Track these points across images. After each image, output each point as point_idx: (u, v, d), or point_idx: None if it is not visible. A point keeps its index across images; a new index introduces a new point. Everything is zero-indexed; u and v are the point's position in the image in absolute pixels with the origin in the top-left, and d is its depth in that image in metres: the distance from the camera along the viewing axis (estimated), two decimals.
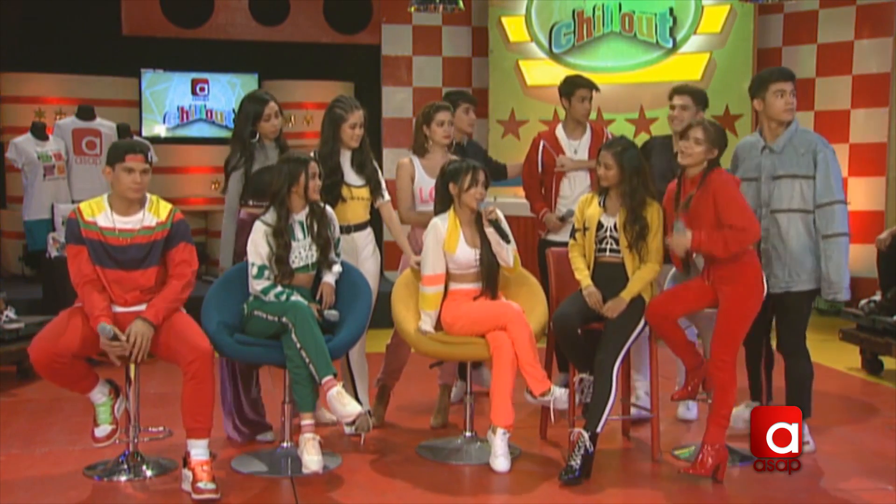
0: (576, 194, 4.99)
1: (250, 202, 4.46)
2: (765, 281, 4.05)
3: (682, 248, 3.96)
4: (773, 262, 4.22)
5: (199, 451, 3.77)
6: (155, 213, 3.95)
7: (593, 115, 8.47)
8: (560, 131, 5.27)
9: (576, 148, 5.20)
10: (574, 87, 5.21)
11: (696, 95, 4.85)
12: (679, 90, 4.88)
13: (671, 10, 8.41)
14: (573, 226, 4.34)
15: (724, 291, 3.94)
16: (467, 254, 4.26)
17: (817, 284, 4.22)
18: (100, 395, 3.97)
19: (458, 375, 4.90)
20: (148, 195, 3.98)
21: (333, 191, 4.49)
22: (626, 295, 4.09)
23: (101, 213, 3.89)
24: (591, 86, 5.22)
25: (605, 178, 4.16)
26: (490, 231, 4.19)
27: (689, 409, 4.82)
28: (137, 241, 3.89)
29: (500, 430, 4.04)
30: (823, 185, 4.16)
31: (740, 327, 3.93)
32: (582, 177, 5.17)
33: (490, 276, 4.28)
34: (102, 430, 4.00)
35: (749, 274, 3.96)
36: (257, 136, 4.55)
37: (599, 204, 4.23)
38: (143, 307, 3.85)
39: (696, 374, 4.13)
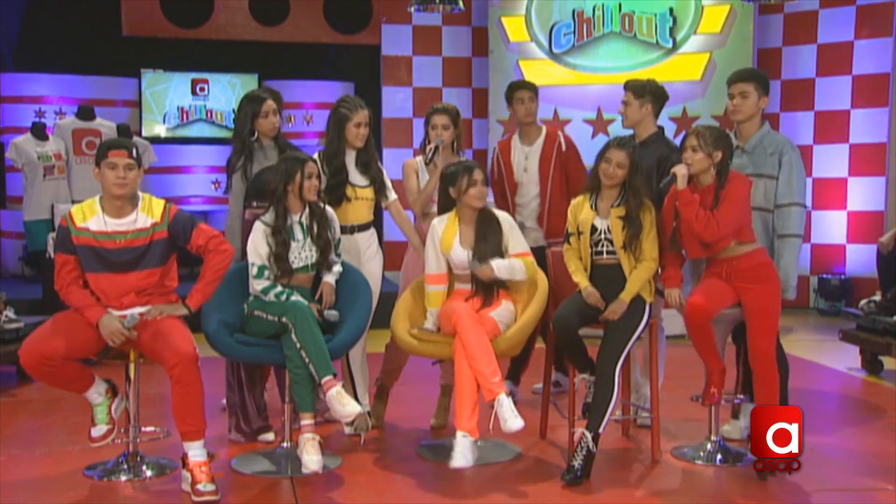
0: (526, 201, 5.16)
1: (254, 203, 4.45)
2: None
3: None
4: None
5: (195, 452, 3.76)
6: (148, 213, 3.89)
7: (592, 116, 8.57)
8: (515, 138, 5.29)
9: (527, 153, 5.19)
10: (512, 91, 5.25)
11: (633, 89, 4.78)
12: (624, 86, 4.81)
13: (671, 10, 8.42)
14: (567, 230, 4.33)
15: (753, 290, 4.01)
16: (461, 255, 4.27)
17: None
18: (96, 395, 3.94)
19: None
20: (140, 194, 3.93)
21: (337, 191, 4.49)
22: (626, 296, 4.08)
23: (93, 217, 3.84)
24: (530, 87, 5.23)
25: (615, 176, 4.13)
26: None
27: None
28: (131, 243, 3.84)
29: (459, 433, 3.96)
30: (785, 186, 4.25)
31: (776, 323, 4.07)
32: (533, 185, 5.18)
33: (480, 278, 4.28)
34: (98, 430, 3.98)
35: (771, 272, 4.08)
36: (255, 134, 4.57)
37: (591, 207, 4.23)
38: (141, 309, 3.84)
39: (719, 378, 4.12)
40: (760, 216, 4.26)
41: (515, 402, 4.07)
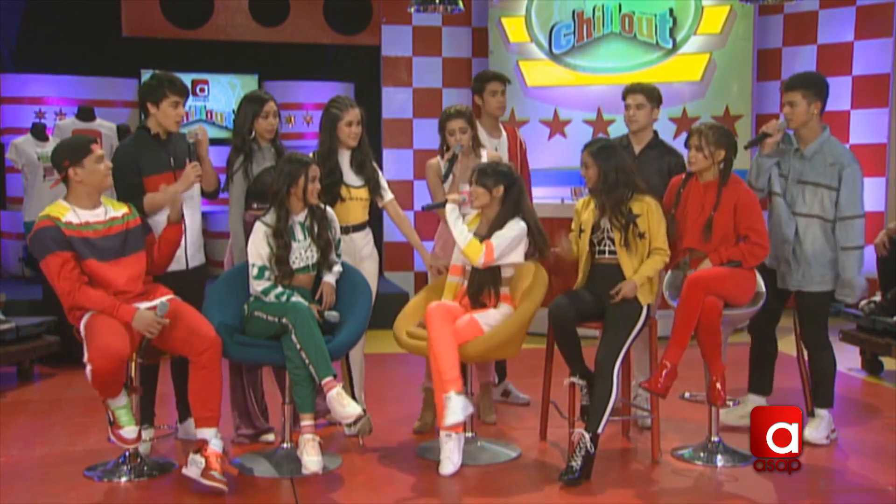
0: None
1: (254, 205, 4.45)
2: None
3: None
4: (791, 260, 4.42)
5: (214, 441, 3.81)
6: (114, 207, 4.02)
7: (592, 116, 8.57)
8: (480, 129, 4.99)
9: (496, 146, 5.07)
10: (484, 82, 5.13)
11: (649, 93, 4.77)
12: (632, 89, 4.80)
13: (671, 10, 8.41)
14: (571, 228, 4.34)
15: None
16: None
17: (831, 287, 4.43)
18: (123, 396, 3.92)
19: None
20: None
21: (332, 191, 4.49)
22: (638, 278, 4.10)
23: (67, 213, 3.88)
24: (503, 79, 5.16)
25: (588, 177, 4.22)
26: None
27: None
28: (110, 230, 3.92)
29: (442, 433, 4.00)
30: (848, 200, 4.34)
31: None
32: None
33: (473, 273, 4.25)
34: (130, 431, 3.90)
35: None
36: (253, 134, 4.57)
37: (596, 207, 4.24)
38: (156, 302, 3.86)
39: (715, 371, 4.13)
40: (819, 224, 4.37)
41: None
